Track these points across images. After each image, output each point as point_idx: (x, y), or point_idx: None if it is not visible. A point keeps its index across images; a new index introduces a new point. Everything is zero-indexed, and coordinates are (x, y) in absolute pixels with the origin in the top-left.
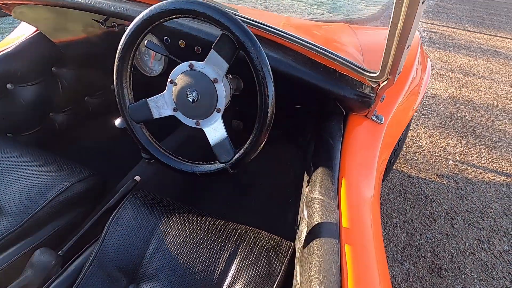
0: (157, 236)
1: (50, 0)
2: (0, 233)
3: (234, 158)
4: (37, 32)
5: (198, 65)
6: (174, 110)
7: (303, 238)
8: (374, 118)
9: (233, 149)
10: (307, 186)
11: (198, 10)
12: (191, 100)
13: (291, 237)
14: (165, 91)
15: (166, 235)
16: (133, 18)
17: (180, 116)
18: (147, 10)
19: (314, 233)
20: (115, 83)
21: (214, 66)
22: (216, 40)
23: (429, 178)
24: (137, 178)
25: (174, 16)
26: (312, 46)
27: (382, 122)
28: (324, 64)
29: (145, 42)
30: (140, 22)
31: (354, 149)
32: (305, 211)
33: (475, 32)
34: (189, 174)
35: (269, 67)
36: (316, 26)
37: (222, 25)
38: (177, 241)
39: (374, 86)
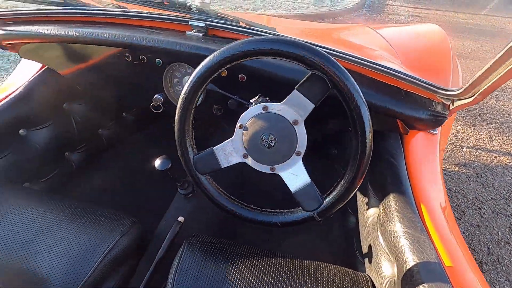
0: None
1: (68, 37)
2: None
3: (322, 206)
4: (44, 68)
5: (274, 106)
6: (244, 156)
7: (389, 275)
8: None
9: (320, 196)
10: (367, 209)
11: (286, 50)
12: (266, 145)
13: (350, 261)
14: (234, 136)
15: (237, 285)
16: (171, 51)
17: (251, 162)
18: (216, 53)
19: (414, 276)
20: (176, 135)
21: (295, 107)
22: (302, 81)
23: (449, 168)
24: (181, 219)
25: (252, 58)
26: (374, 65)
27: (437, 132)
28: (386, 83)
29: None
30: (211, 65)
31: (418, 167)
32: (382, 243)
33: (457, 12)
34: (269, 225)
35: (366, 104)
36: (337, 31)
37: (315, 65)
38: None
39: (447, 103)
